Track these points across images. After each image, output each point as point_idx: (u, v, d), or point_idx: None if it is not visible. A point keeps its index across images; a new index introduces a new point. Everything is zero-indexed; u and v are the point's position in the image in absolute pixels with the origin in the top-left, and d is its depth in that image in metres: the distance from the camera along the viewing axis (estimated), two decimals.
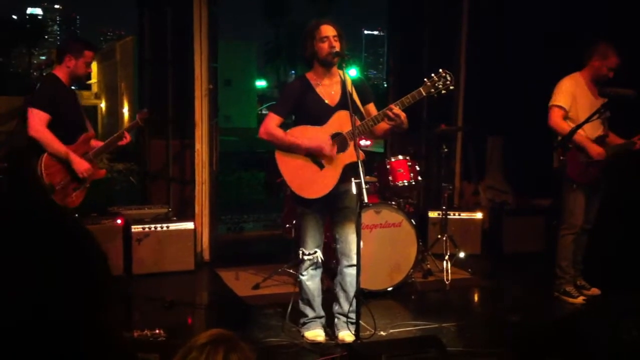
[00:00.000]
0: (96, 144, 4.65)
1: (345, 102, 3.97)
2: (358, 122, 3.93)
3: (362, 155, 3.78)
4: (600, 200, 5.24)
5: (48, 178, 4.24)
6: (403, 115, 3.93)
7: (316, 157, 4.10)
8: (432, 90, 3.93)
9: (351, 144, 4.02)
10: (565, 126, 4.96)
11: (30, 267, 0.87)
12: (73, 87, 4.64)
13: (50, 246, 0.90)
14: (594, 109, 4.92)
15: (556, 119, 5.04)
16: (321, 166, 4.10)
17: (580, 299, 5.21)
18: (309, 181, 4.11)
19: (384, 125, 4.06)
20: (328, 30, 4.05)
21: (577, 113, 5.03)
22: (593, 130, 5.01)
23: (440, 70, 3.95)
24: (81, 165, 4.36)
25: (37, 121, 4.21)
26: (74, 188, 4.37)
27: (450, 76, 3.94)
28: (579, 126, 4.80)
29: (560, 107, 5.05)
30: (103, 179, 4.96)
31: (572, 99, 5.07)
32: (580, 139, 4.91)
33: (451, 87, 3.95)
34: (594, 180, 5.09)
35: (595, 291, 5.33)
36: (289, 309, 4.54)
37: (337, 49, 4.02)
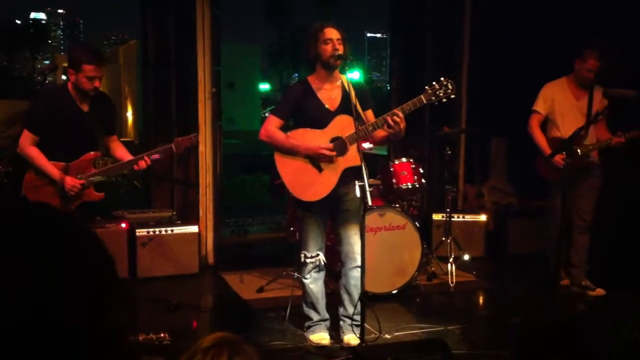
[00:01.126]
0: (121, 154, 4.43)
1: (345, 106, 4.01)
2: (360, 127, 3.93)
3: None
4: (594, 199, 5.26)
5: (24, 190, 4.23)
6: (403, 123, 3.92)
7: (315, 160, 4.11)
8: (433, 98, 3.93)
9: (351, 148, 4.02)
10: (536, 132, 5.25)
11: (30, 267, 0.87)
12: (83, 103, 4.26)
13: (51, 246, 0.90)
14: (574, 110, 5.15)
15: (531, 124, 5.30)
16: (320, 169, 4.10)
17: (565, 281, 5.42)
18: (306, 184, 4.11)
19: (381, 133, 4.07)
20: (332, 33, 4.06)
21: (555, 115, 5.23)
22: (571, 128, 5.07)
23: (442, 78, 3.95)
24: (67, 182, 4.15)
25: (23, 139, 4.19)
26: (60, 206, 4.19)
27: (451, 84, 3.93)
28: (582, 128, 4.82)
29: (536, 112, 5.29)
30: (107, 183, 4.85)
31: (550, 103, 5.27)
32: (541, 143, 5.17)
33: (452, 96, 3.95)
34: (570, 177, 5.09)
35: (600, 292, 5.33)
36: (288, 312, 4.59)
37: (341, 51, 4.03)
